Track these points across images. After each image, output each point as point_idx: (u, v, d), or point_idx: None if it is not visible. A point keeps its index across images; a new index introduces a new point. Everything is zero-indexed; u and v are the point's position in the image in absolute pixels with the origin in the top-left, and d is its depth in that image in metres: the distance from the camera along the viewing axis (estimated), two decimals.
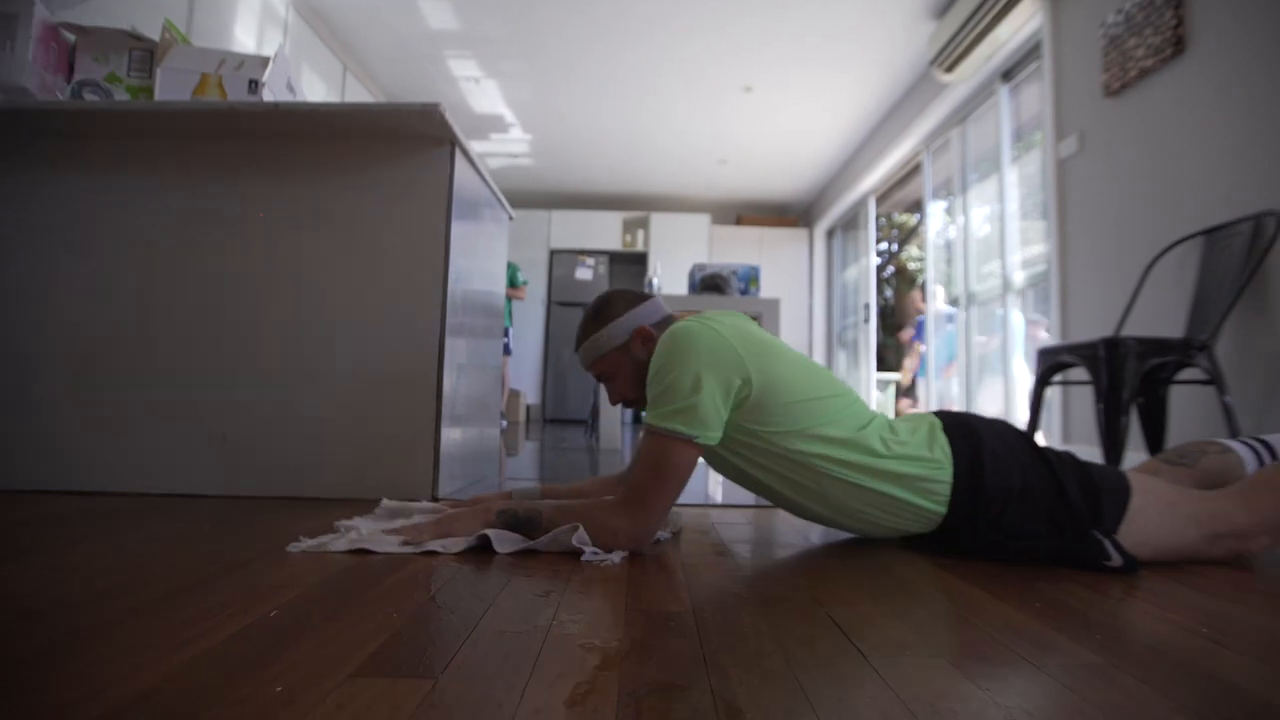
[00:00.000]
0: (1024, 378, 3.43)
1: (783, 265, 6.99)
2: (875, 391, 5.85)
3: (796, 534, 1.26)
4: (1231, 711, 0.54)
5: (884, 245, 6.26)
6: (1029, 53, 3.35)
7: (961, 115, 4.10)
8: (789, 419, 1.04)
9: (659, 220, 6.93)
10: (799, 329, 6.84)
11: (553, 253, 6.86)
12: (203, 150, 1.60)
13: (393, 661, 0.60)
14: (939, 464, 1.04)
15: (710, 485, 1.98)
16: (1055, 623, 0.75)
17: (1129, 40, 2.48)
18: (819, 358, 6.92)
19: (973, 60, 3.50)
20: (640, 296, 1.19)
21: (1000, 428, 1.10)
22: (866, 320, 5.92)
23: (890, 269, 6.61)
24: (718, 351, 1.03)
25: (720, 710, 0.52)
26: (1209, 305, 1.92)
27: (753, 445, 1.07)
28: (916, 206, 5.26)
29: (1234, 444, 1.18)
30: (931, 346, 4.64)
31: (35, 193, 1.58)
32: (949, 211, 4.46)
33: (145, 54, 1.71)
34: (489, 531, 1.03)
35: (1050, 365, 2.03)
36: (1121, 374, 1.74)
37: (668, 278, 6.60)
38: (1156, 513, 1.02)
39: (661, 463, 1.01)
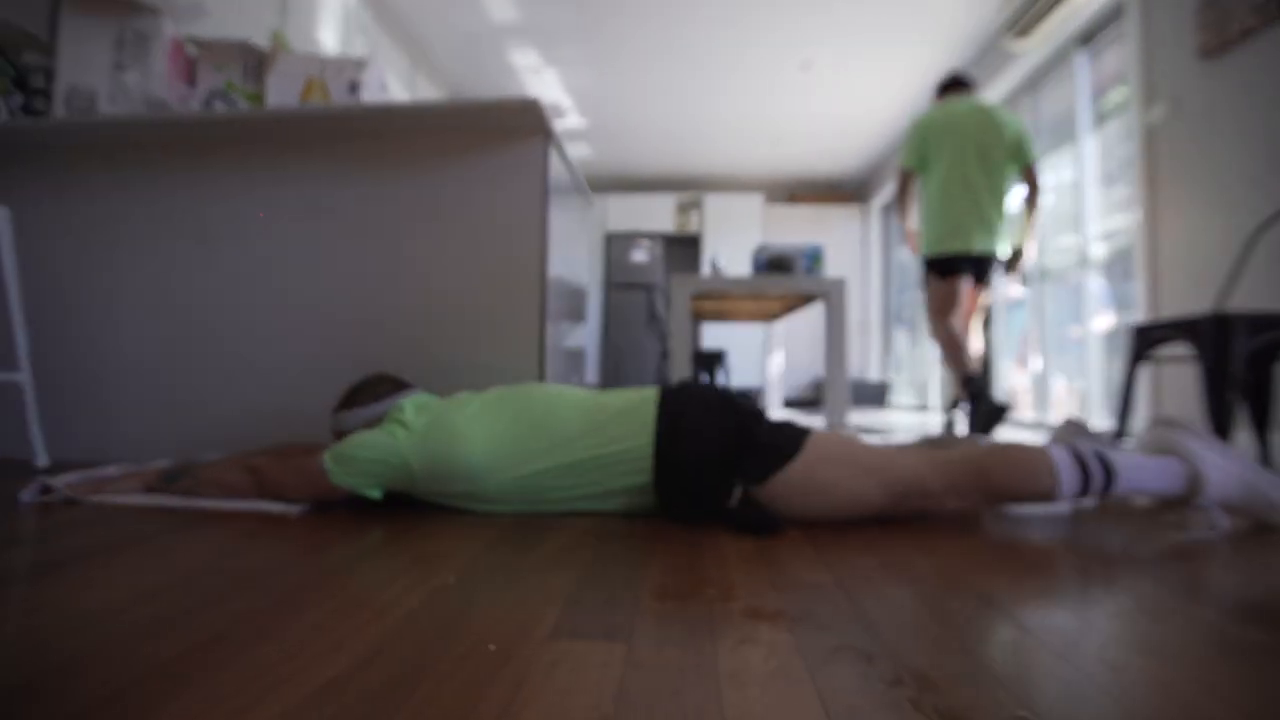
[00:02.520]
0: (1099, 357, 3.32)
1: (837, 242, 6.89)
2: (938, 371, 5.72)
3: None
4: None
5: None
6: (1111, 14, 3.19)
7: (1033, 83, 3.94)
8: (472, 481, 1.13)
9: (712, 201, 6.89)
10: (854, 308, 6.75)
11: (609, 236, 6.91)
12: (316, 151, 1.68)
13: (579, 625, 0.66)
14: (639, 444, 1.13)
15: None
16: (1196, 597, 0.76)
17: None
18: (875, 338, 6.81)
19: (1049, 24, 3.36)
20: (394, 388, 1.29)
21: (709, 396, 1.18)
22: None
23: None
24: (383, 463, 1.12)
25: (910, 677, 0.56)
26: None
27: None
28: None
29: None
30: (1000, 331, 4.51)
31: (165, 197, 1.70)
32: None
33: (256, 63, 1.81)
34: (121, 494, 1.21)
35: (1146, 343, 1.96)
36: (1230, 351, 1.68)
37: (727, 259, 6.59)
38: (829, 468, 1.10)
39: (304, 468, 1.14)
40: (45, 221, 1.75)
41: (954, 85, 2.82)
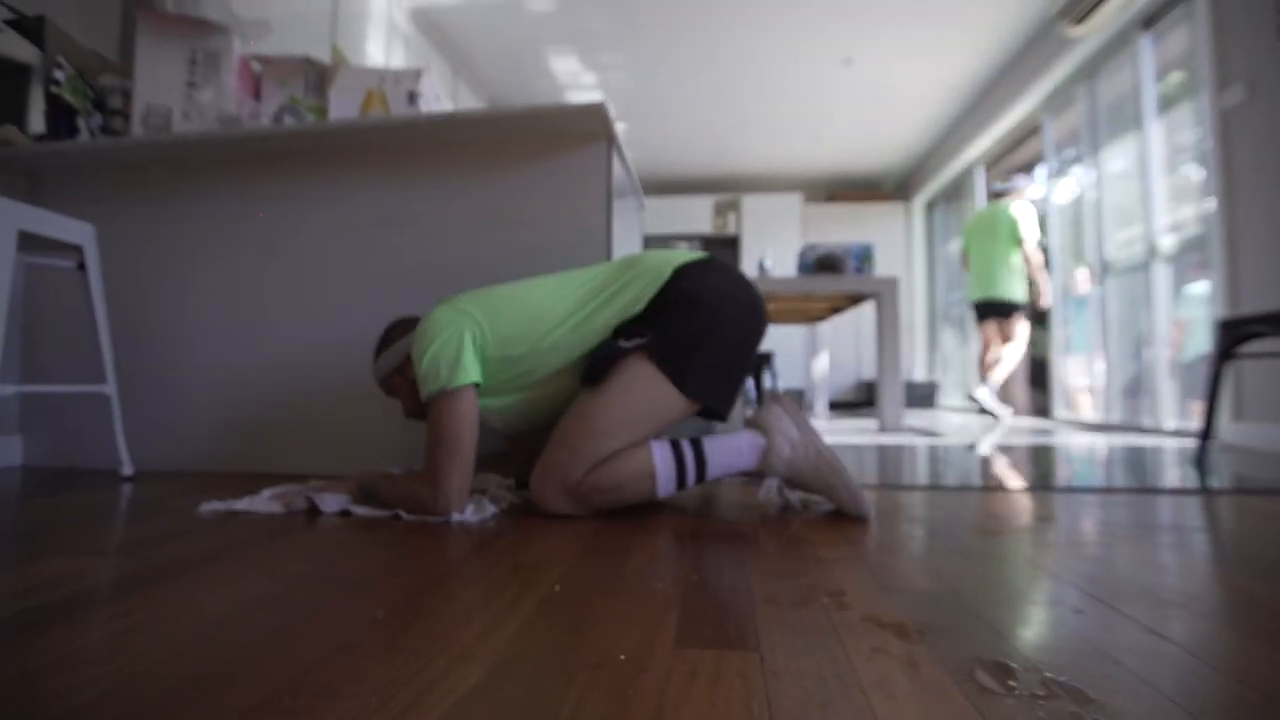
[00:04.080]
0: (1166, 352, 3.18)
1: (880, 241, 6.77)
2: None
3: (994, 517, 1.23)
4: None
5: None
6: None
7: (1090, 70, 3.81)
8: (527, 332, 1.17)
9: (750, 201, 6.84)
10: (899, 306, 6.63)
11: (646, 239, 6.91)
12: (384, 161, 1.71)
13: (702, 634, 0.64)
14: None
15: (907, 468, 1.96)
16: None
17: None
18: (920, 336, 6.67)
19: (1108, 9, 3.25)
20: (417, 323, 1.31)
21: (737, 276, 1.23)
22: None
23: None
24: (446, 318, 1.16)
25: (1062, 690, 0.53)
26: None
27: (523, 372, 1.19)
28: (1026, 171, 4.94)
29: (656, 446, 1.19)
30: (1060, 330, 4.36)
31: (238, 210, 1.75)
32: (1059, 175, 4.17)
33: (318, 77, 1.84)
34: (322, 497, 1.21)
35: (1234, 338, 1.87)
36: None
37: (773, 260, 6.54)
38: (624, 405, 1.12)
39: (437, 428, 1.12)
40: (125, 236, 1.81)
41: (992, 195, 4.16)
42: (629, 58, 4.49)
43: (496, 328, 1.17)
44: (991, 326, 4.10)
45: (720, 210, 7.01)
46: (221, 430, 1.75)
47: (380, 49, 3.24)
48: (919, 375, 6.66)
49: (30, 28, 1.74)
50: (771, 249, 6.72)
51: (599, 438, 1.12)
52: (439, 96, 2.06)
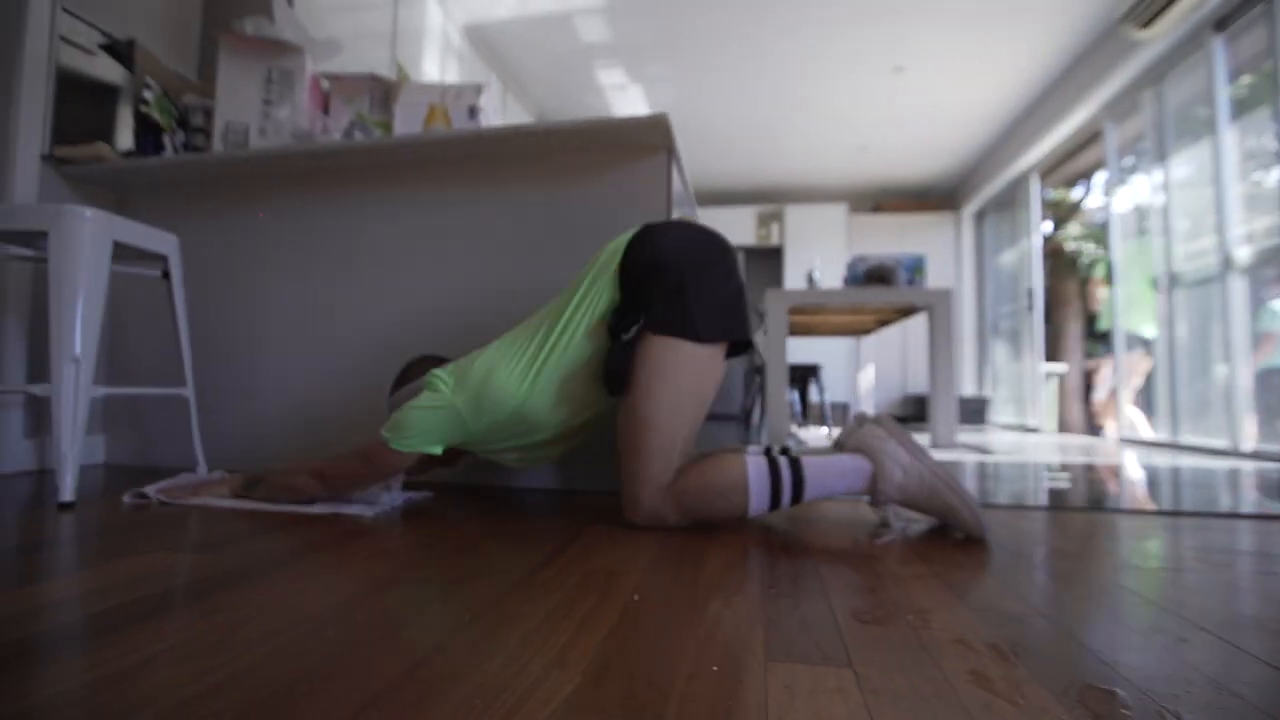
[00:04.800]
0: (1247, 372, 3.03)
1: (926, 251, 6.63)
2: (1044, 387, 5.39)
3: (1067, 537, 1.19)
4: None
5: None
6: None
7: (1157, 74, 3.68)
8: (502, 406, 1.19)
9: (794, 212, 6.78)
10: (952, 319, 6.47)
11: None
12: (448, 173, 1.76)
13: (791, 647, 0.63)
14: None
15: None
16: None
17: None
18: (969, 349, 6.50)
19: (1178, 9, 3.14)
20: (437, 363, 1.37)
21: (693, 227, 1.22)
22: (1030, 308, 5.46)
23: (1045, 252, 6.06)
24: (438, 415, 1.19)
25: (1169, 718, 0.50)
26: None
27: (519, 428, 1.22)
28: (1084, 179, 4.78)
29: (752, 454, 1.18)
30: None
31: (308, 222, 1.81)
32: (1120, 183, 4.02)
33: (383, 93, 1.90)
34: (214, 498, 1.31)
35: None
36: None
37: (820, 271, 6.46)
38: (662, 386, 1.12)
39: (363, 452, 1.21)
40: (203, 247, 1.90)
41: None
42: (674, 69, 4.51)
43: (478, 414, 1.19)
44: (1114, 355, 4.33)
45: (763, 221, 6.97)
46: (289, 433, 1.81)
47: (435, 65, 3.34)
48: (968, 390, 6.48)
49: (121, 52, 1.84)
50: (816, 260, 6.65)
51: (658, 429, 1.12)
52: (496, 110, 2.11)
